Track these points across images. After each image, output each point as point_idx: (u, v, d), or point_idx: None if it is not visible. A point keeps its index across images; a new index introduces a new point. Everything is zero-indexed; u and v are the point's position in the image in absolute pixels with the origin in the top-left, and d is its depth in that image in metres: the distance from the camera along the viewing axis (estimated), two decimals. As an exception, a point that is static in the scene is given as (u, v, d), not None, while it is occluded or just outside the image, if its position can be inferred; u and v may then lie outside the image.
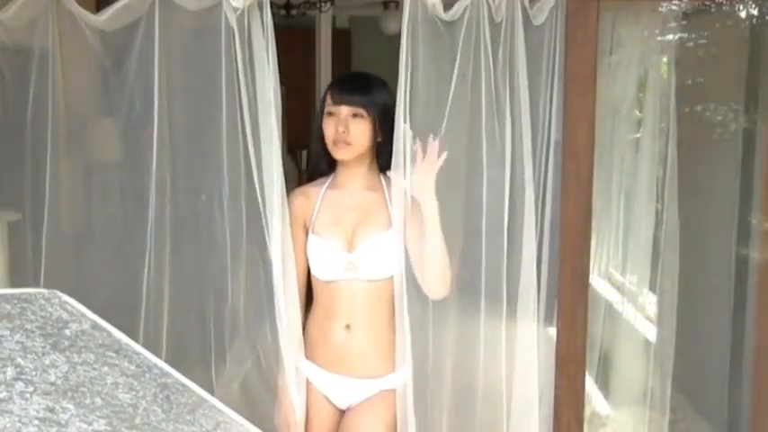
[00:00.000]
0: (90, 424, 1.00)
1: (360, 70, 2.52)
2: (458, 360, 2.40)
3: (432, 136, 2.14)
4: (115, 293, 2.37)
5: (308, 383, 2.33)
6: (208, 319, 2.40)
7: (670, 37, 2.65)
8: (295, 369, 2.28)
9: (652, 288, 2.83)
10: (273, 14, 2.22)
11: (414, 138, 2.15)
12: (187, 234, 2.42)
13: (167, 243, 2.36)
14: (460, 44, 2.19)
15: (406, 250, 2.22)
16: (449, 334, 2.37)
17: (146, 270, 2.33)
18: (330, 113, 2.25)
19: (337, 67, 5.31)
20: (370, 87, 2.27)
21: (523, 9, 2.24)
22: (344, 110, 2.23)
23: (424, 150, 2.13)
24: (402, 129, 2.16)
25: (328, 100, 2.26)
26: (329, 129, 2.24)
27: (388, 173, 2.25)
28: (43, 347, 1.14)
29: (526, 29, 2.25)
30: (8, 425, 0.94)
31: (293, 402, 2.28)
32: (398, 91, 2.17)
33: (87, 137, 2.61)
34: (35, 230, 2.40)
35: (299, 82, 2.94)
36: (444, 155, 2.12)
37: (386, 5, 5.64)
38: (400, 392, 2.25)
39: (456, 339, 2.39)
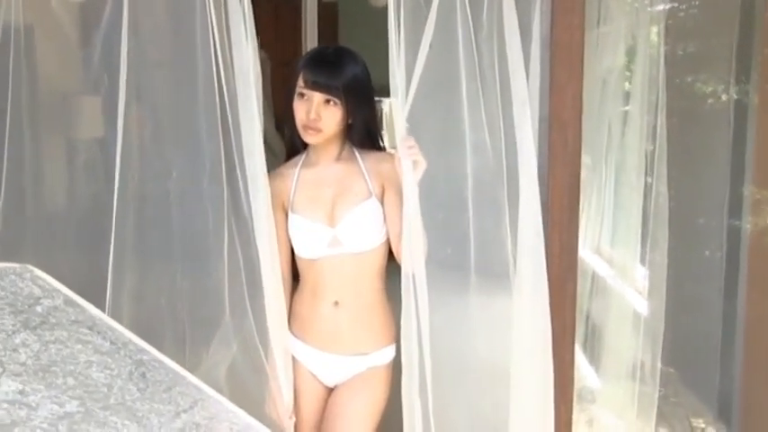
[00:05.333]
0: (62, 405, 0.99)
1: (332, 45, 2.46)
2: (461, 337, 2.38)
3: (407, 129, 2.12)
4: (78, 275, 2.32)
5: (297, 362, 2.33)
6: (181, 301, 2.37)
7: (660, 7, 2.64)
8: (282, 352, 2.28)
9: (642, 261, 2.83)
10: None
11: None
12: (156, 212, 2.37)
13: (131, 221, 2.30)
14: (435, 14, 2.14)
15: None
16: (455, 311, 2.35)
17: (110, 249, 2.26)
18: (301, 95, 2.21)
19: (324, 41, 5.27)
20: (344, 68, 2.21)
21: None
22: (317, 96, 2.18)
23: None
24: (397, 107, 2.13)
25: (300, 80, 2.21)
26: (300, 113, 2.20)
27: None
28: (13, 326, 1.12)
29: None
30: None
31: (282, 389, 2.27)
32: (391, 65, 2.11)
33: (55, 113, 2.56)
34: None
35: (285, 56, 2.92)
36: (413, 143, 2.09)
37: (373, -22, 5.59)
38: (406, 374, 2.23)
39: (461, 316, 2.37)
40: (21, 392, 0.98)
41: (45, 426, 0.93)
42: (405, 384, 2.22)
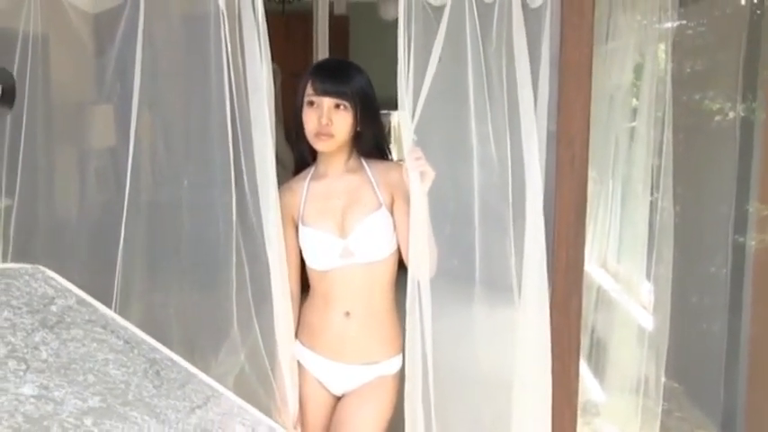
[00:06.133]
0: (85, 401, 1.03)
1: (338, 57, 2.50)
2: (465, 348, 2.41)
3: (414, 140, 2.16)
4: (88, 281, 2.33)
5: (305, 371, 2.35)
6: (189, 311, 2.39)
7: (668, 24, 2.66)
8: (289, 362, 2.30)
9: (647, 276, 2.85)
10: (269, 0, 2.22)
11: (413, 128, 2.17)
12: (165, 222, 2.39)
13: (141, 230, 2.33)
14: (445, 28, 2.17)
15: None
16: (456, 322, 2.37)
17: (118, 256, 2.28)
18: (311, 103, 2.23)
19: (335, 54, 5.31)
20: (352, 76, 2.25)
21: None
22: (327, 101, 2.21)
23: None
24: (404, 119, 2.17)
25: (309, 89, 2.23)
26: (311, 121, 2.22)
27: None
28: (32, 324, 1.16)
29: (523, 11, 2.24)
30: (5, 403, 0.96)
31: (287, 398, 2.30)
32: (399, 78, 2.15)
33: (69, 121, 2.57)
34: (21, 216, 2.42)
35: (296, 68, 2.95)
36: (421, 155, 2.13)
37: (384, -8, 5.65)
38: (410, 381, 2.25)
39: (464, 327, 2.39)
40: (45, 388, 1.01)
41: (71, 420, 0.96)
42: (408, 392, 2.24)
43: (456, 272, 2.32)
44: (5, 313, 1.17)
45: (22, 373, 1.04)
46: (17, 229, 2.39)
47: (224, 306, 2.30)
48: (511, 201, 2.28)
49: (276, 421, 2.29)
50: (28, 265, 1.41)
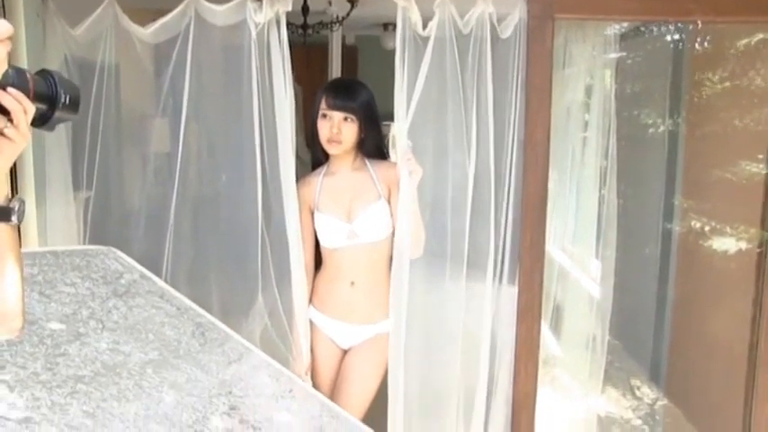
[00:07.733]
0: (146, 354, 1.06)
1: (348, 77, 2.51)
2: (441, 313, 2.43)
3: (409, 145, 2.18)
4: (146, 255, 2.33)
5: (318, 330, 2.38)
6: (225, 281, 2.43)
7: (612, 54, 2.66)
8: (304, 323, 2.33)
9: (596, 255, 2.85)
10: (292, 33, 2.23)
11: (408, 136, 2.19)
12: (205, 210, 2.45)
13: (188, 216, 2.39)
14: (430, 54, 2.19)
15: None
16: (436, 292, 2.40)
17: (168, 237, 2.33)
18: (324, 115, 2.25)
19: (346, 75, 5.31)
20: (358, 94, 2.26)
21: (492, 24, 2.25)
22: (337, 114, 2.22)
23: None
24: (399, 127, 2.19)
25: (323, 104, 2.25)
26: (324, 129, 2.25)
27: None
28: (106, 293, 1.19)
29: (494, 41, 2.25)
30: (88, 353, 1.01)
31: (301, 351, 2.33)
32: (396, 94, 2.18)
33: (134, 131, 2.63)
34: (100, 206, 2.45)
35: (315, 87, 2.96)
36: (411, 156, 2.17)
37: (385, 27, 5.67)
38: (393, 338, 2.28)
39: (440, 296, 2.41)
40: (117, 343, 1.04)
41: (137, 368, 0.99)
42: (392, 346, 2.28)
43: (433, 248, 2.34)
44: (87, 284, 1.20)
45: (99, 331, 1.07)
46: (93, 216, 2.43)
47: (252, 277, 2.33)
48: (470, 194, 2.31)
49: (292, 369, 2.32)
50: (103, 247, 1.44)
